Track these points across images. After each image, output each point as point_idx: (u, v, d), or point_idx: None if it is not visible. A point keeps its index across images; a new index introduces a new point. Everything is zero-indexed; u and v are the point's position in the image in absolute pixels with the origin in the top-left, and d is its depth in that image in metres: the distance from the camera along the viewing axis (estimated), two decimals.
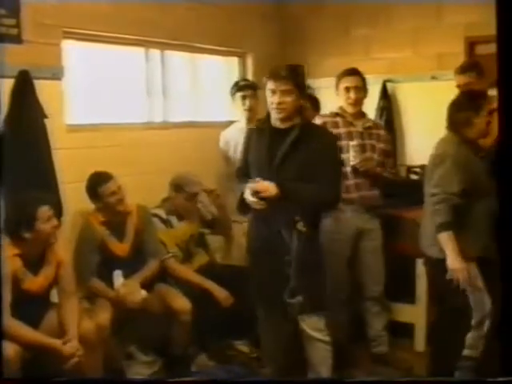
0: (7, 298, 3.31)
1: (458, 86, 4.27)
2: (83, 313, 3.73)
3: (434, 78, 5.23)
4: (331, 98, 4.48)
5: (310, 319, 3.58)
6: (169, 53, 5.15)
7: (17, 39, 3.87)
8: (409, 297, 4.59)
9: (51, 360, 3.44)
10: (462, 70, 4.30)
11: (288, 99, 3.41)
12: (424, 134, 5.30)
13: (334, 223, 4.15)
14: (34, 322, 3.46)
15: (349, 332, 4.40)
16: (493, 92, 3.16)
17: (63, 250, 3.69)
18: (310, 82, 5.56)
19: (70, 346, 3.39)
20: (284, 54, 5.81)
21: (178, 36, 5.03)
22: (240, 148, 4.01)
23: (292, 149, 3.42)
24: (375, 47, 5.58)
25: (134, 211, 4.19)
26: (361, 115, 4.31)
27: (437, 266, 3.67)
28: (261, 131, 3.62)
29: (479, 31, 4.74)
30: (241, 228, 4.63)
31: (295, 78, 3.45)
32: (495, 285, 2.94)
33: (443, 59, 5.12)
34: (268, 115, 3.57)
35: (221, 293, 4.23)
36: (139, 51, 4.93)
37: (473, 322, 3.64)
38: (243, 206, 3.57)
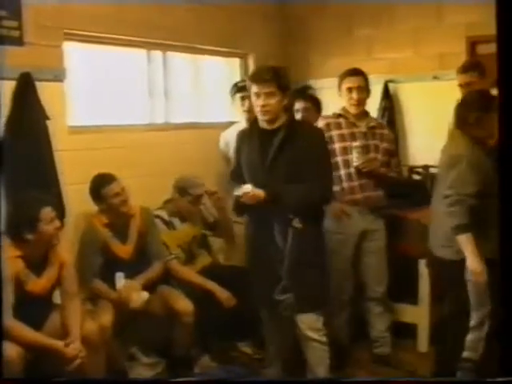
0: (9, 299, 3.31)
1: (460, 86, 4.27)
2: (86, 314, 3.73)
3: (435, 77, 5.22)
4: (334, 98, 4.47)
5: (306, 319, 3.58)
6: (170, 54, 5.15)
7: (18, 41, 3.87)
8: (411, 297, 4.59)
9: (53, 361, 3.44)
10: (464, 69, 4.29)
11: (272, 101, 3.43)
12: (426, 134, 5.30)
13: (338, 224, 4.16)
14: (37, 324, 3.46)
15: (351, 332, 4.41)
16: (494, 91, 3.15)
17: (66, 251, 3.69)
18: (312, 82, 5.58)
19: (73, 348, 3.39)
20: (286, 54, 5.81)
21: (180, 37, 5.03)
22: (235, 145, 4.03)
23: (280, 149, 3.45)
24: (377, 47, 5.57)
25: (137, 213, 4.19)
26: (364, 115, 4.29)
27: (448, 267, 3.67)
28: (250, 133, 3.66)
29: (480, 31, 4.73)
30: (242, 229, 4.63)
31: (278, 80, 3.45)
32: (495, 286, 2.93)
33: (445, 59, 5.12)
34: (256, 118, 3.59)
35: (223, 294, 4.23)
36: (141, 53, 4.93)
37: (472, 323, 3.64)
38: (239, 207, 3.59)
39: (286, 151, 3.44)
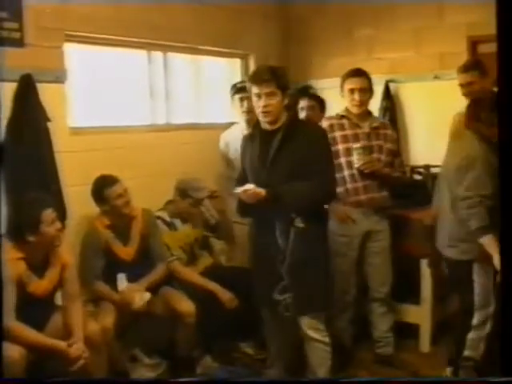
0: (11, 300, 3.31)
1: (461, 85, 4.26)
2: (88, 316, 3.73)
3: (436, 77, 5.22)
4: (334, 98, 4.50)
5: (308, 319, 3.58)
6: (171, 55, 5.15)
7: (19, 43, 3.87)
8: (414, 297, 4.58)
9: (55, 362, 3.45)
10: (465, 68, 4.29)
11: (273, 101, 3.43)
12: (427, 133, 5.31)
13: (342, 226, 4.16)
14: (39, 325, 3.46)
15: (353, 333, 4.41)
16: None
17: (67, 252, 3.69)
18: (313, 82, 5.58)
19: (76, 348, 3.39)
20: (286, 54, 5.81)
21: (181, 38, 5.03)
22: (240, 150, 4.02)
23: (280, 149, 3.45)
24: (378, 47, 5.58)
25: (139, 215, 4.18)
26: (367, 115, 4.28)
27: (455, 267, 3.66)
28: (252, 136, 3.67)
29: (481, 30, 4.73)
30: (242, 229, 4.64)
31: (277, 80, 3.45)
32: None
33: (445, 59, 5.12)
34: (258, 119, 3.59)
35: (225, 294, 4.23)
36: (141, 53, 4.93)
37: (474, 321, 3.64)
38: (242, 207, 3.59)
39: (285, 150, 3.44)
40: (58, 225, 3.52)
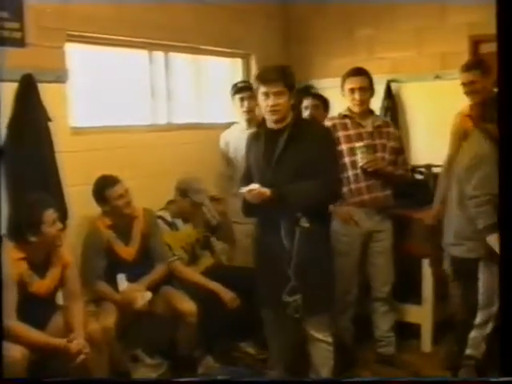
0: (13, 301, 3.32)
1: (463, 84, 4.25)
2: (89, 316, 3.73)
3: (437, 77, 5.21)
4: (336, 98, 4.49)
5: (312, 319, 3.57)
6: (172, 55, 5.15)
7: (20, 42, 3.87)
8: (415, 297, 4.59)
9: (57, 362, 3.45)
10: (467, 67, 4.27)
11: (281, 101, 3.43)
12: (428, 133, 5.30)
13: (345, 226, 4.15)
14: (41, 325, 3.46)
15: (355, 332, 4.40)
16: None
17: (68, 252, 3.69)
18: (314, 82, 5.57)
19: (77, 343, 3.38)
20: (288, 54, 5.81)
21: (182, 38, 5.03)
22: (240, 149, 4.02)
23: (286, 148, 3.44)
24: (379, 47, 5.56)
25: (140, 215, 4.18)
26: (369, 114, 4.28)
27: (461, 266, 3.66)
28: (257, 135, 3.65)
29: (483, 30, 4.71)
30: (242, 228, 4.66)
31: (285, 79, 3.45)
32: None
33: (447, 58, 5.11)
34: (264, 118, 3.59)
35: (227, 294, 4.23)
36: (143, 53, 4.93)
37: (477, 320, 3.63)
38: (247, 207, 3.58)
39: (291, 150, 3.43)
40: (59, 225, 3.52)
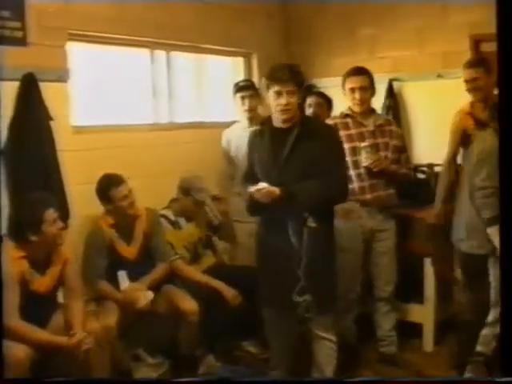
0: (15, 299, 3.32)
1: (466, 81, 4.24)
2: (91, 315, 3.74)
3: (439, 76, 5.20)
4: (338, 97, 4.49)
5: (317, 318, 3.56)
6: (174, 54, 5.15)
7: (22, 42, 3.88)
8: (417, 297, 4.58)
9: (58, 361, 3.46)
10: (471, 64, 4.26)
11: (293, 100, 3.42)
12: (430, 132, 5.29)
13: (348, 224, 4.13)
14: (42, 323, 3.47)
15: (357, 332, 4.40)
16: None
17: (69, 250, 3.69)
18: (315, 81, 5.57)
19: (78, 336, 3.40)
20: (289, 53, 5.80)
21: (184, 37, 5.03)
22: (241, 148, 4.01)
23: (294, 147, 3.43)
24: (381, 46, 5.56)
25: (143, 214, 4.18)
26: (370, 113, 4.28)
27: (471, 262, 3.66)
28: (262, 133, 3.62)
29: (484, 29, 4.69)
30: (244, 227, 4.65)
31: (296, 78, 3.45)
32: None
33: (448, 57, 5.10)
34: (270, 116, 3.57)
35: (229, 292, 4.22)
36: (144, 52, 4.93)
37: (490, 318, 3.63)
38: (252, 206, 3.55)
39: (301, 148, 3.42)
40: (60, 224, 3.52)
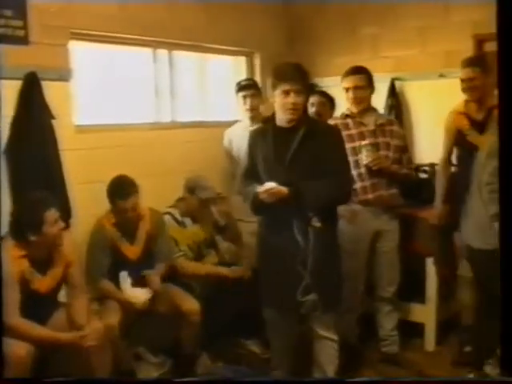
0: (15, 298, 3.32)
1: (462, 80, 4.24)
2: (93, 314, 3.73)
3: (441, 75, 5.19)
4: (340, 96, 4.48)
5: (320, 317, 3.56)
6: (176, 53, 5.15)
7: (24, 40, 3.88)
8: (419, 296, 4.58)
9: (60, 359, 3.47)
10: (467, 63, 4.25)
11: (300, 99, 3.41)
12: (432, 132, 5.28)
13: (351, 225, 4.13)
14: (42, 322, 3.47)
15: (359, 331, 4.40)
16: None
17: (72, 249, 3.69)
18: (317, 80, 5.56)
19: (81, 333, 3.42)
20: (291, 53, 5.78)
21: (186, 36, 5.03)
22: (243, 147, 4.00)
23: (300, 146, 3.42)
24: (383, 45, 5.55)
25: (146, 215, 4.17)
26: (371, 112, 4.27)
27: (481, 258, 3.67)
28: (265, 131, 3.61)
29: (487, 28, 4.67)
30: (246, 227, 4.65)
31: (304, 77, 3.45)
32: None
33: (451, 57, 5.08)
34: (273, 115, 3.56)
35: (235, 272, 4.32)
36: (147, 51, 4.93)
37: None
38: (257, 206, 3.53)
39: (307, 148, 3.41)
40: (61, 224, 3.51)
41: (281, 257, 3.49)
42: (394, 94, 5.50)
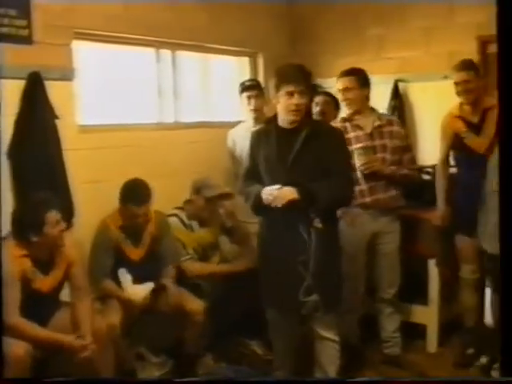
0: (16, 297, 3.32)
1: (456, 83, 4.23)
2: (95, 313, 3.73)
3: (445, 77, 5.17)
4: None
5: (321, 318, 3.56)
6: (180, 53, 5.15)
7: (27, 40, 3.89)
8: (421, 298, 4.58)
9: (60, 359, 3.47)
10: (461, 67, 4.25)
11: (304, 100, 3.41)
12: (435, 133, 5.26)
13: (351, 227, 4.11)
14: (43, 321, 3.48)
15: (361, 333, 4.40)
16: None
17: (75, 249, 3.69)
18: (321, 81, 5.56)
19: (83, 340, 3.40)
20: (295, 53, 5.79)
21: (189, 36, 5.04)
22: (246, 148, 4.00)
23: (303, 148, 3.41)
24: (386, 47, 5.55)
25: (151, 218, 4.17)
26: (368, 114, 4.25)
27: (494, 262, 3.67)
28: (267, 132, 3.60)
29: (491, 30, 4.64)
30: (249, 228, 4.62)
31: (307, 79, 3.46)
32: None
33: (455, 58, 5.04)
34: (275, 116, 3.56)
35: (236, 266, 4.37)
36: (150, 51, 4.93)
37: None
38: (258, 207, 3.53)
39: (310, 149, 3.41)
40: (62, 225, 3.51)
41: (282, 257, 3.48)
42: (397, 95, 5.50)
